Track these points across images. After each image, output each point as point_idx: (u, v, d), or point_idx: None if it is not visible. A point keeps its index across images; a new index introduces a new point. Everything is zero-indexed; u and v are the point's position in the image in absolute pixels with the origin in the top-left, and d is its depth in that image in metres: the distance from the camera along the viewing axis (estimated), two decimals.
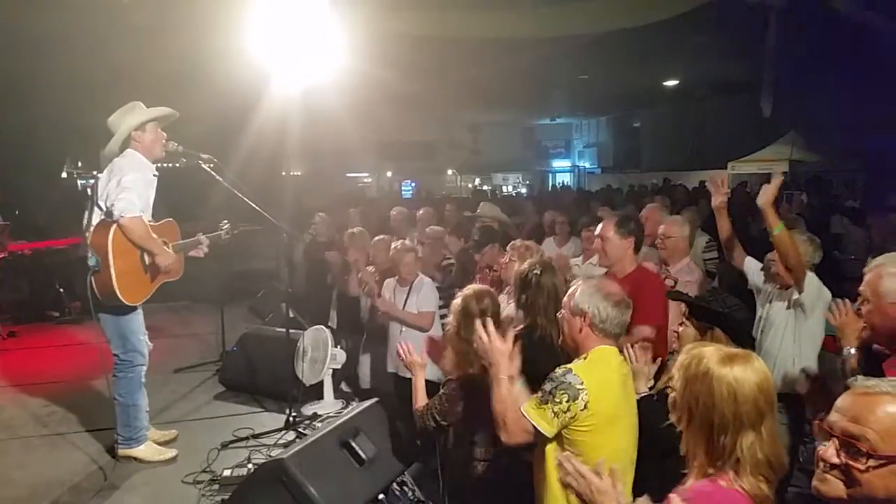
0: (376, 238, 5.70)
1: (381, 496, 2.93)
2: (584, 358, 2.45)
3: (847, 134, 13.06)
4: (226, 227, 4.72)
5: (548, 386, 2.34)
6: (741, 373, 1.72)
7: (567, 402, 2.29)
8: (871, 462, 1.36)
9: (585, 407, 2.29)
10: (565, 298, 2.57)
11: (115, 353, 4.04)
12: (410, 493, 3.02)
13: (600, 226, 3.99)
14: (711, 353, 1.78)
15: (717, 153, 14.94)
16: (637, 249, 3.94)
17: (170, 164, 5.25)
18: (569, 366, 2.38)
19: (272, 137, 8.53)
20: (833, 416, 1.45)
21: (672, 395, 1.81)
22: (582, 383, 2.31)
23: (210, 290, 6.97)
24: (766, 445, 1.70)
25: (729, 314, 2.75)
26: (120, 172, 3.90)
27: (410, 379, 3.06)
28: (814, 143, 13.37)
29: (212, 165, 4.36)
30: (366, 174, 24.02)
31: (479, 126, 24.13)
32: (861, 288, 2.46)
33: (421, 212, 7.23)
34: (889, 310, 2.36)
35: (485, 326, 2.43)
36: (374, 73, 9.30)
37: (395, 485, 3.12)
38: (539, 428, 2.32)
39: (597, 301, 2.46)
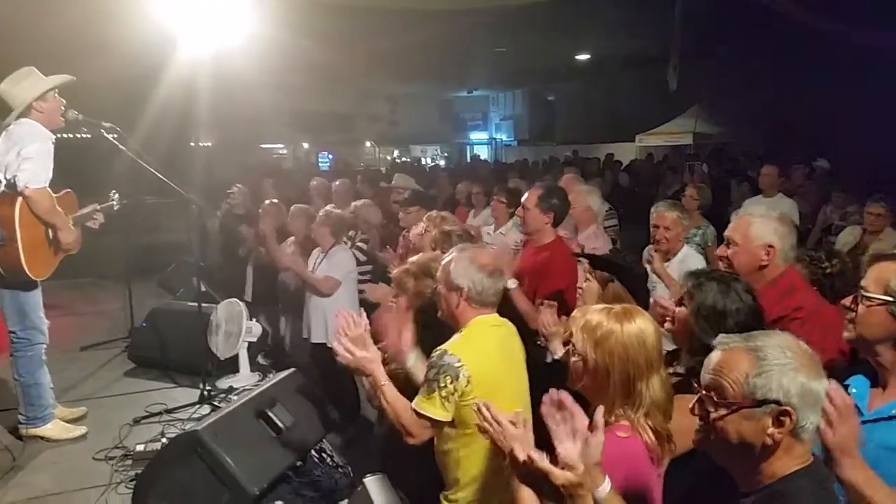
0: (294, 208, 5.67)
1: (299, 463, 2.96)
2: (461, 333, 2.51)
3: (748, 107, 13.75)
4: (115, 196, 4.55)
5: (430, 373, 2.40)
6: (642, 323, 1.93)
7: (451, 383, 2.35)
8: (723, 410, 1.50)
9: (468, 382, 2.37)
10: (439, 273, 2.60)
11: (13, 330, 3.87)
12: (329, 460, 3.06)
13: (525, 195, 4.13)
14: (604, 315, 1.95)
15: (627, 126, 15.42)
16: (556, 223, 4.10)
17: (70, 135, 4.99)
18: (443, 347, 2.44)
19: (179, 106, 8.21)
20: (702, 373, 1.60)
21: (576, 361, 1.94)
22: (459, 360, 2.37)
23: (116, 265, 6.72)
24: (665, 383, 1.92)
25: (627, 267, 2.92)
26: (21, 142, 3.68)
27: (325, 345, 3.07)
28: (716, 116, 14.00)
29: (115, 136, 4.19)
30: (281, 145, 23.45)
31: (397, 98, 23.92)
32: (728, 233, 2.73)
33: (337, 184, 7.18)
34: (755, 251, 2.66)
35: (345, 346, 2.44)
36: (289, 40, 9.08)
37: (313, 452, 3.16)
38: (436, 417, 2.37)
39: (472, 274, 2.51)
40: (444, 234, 3.46)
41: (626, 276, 2.90)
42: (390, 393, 2.43)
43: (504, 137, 26.01)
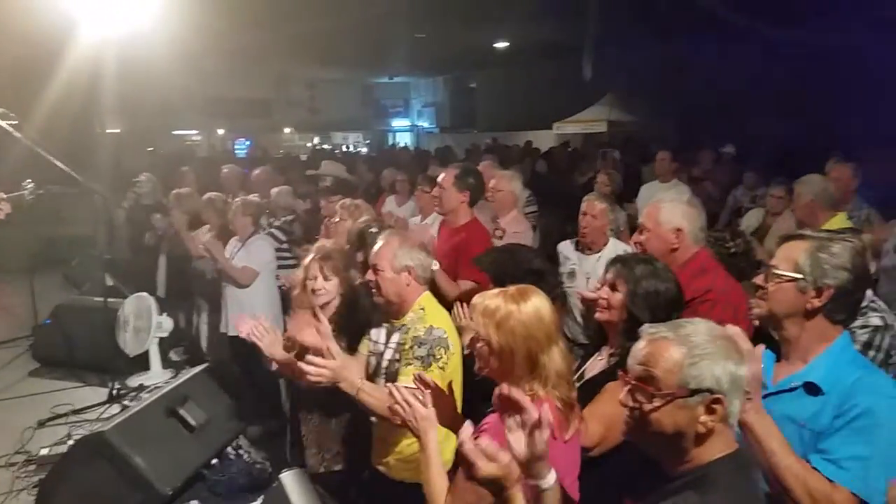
0: (207, 196, 5.48)
1: (214, 461, 2.87)
2: (422, 309, 2.57)
3: (660, 95, 14.21)
4: (30, 186, 4.28)
5: (422, 350, 2.47)
6: (537, 300, 2.01)
7: (445, 353, 2.49)
8: (657, 401, 1.53)
9: (453, 349, 2.53)
10: (377, 259, 2.66)
11: None
12: (246, 456, 2.98)
13: (442, 175, 4.14)
14: (501, 298, 2.02)
15: (545, 114, 15.67)
16: (472, 203, 4.14)
17: None
18: (426, 322, 2.56)
19: (83, 91, 7.77)
20: (629, 362, 1.63)
21: (481, 346, 2.01)
22: (444, 331, 2.53)
23: (16, 259, 6.33)
24: (564, 353, 2.01)
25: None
26: None
27: (243, 338, 3.01)
28: (630, 104, 14.41)
29: (13, 122, 3.92)
30: (195, 132, 22.62)
31: (317, 83, 23.46)
32: (640, 219, 2.83)
33: (257, 172, 6.98)
34: (665, 235, 2.80)
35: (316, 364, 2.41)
36: (202, 22, 8.73)
37: (229, 449, 3.06)
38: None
39: (415, 253, 2.62)
40: (359, 232, 3.46)
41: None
42: (371, 388, 2.46)
43: (426, 124, 25.96)
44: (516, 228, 4.82)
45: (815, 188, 4.42)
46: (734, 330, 1.69)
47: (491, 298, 2.03)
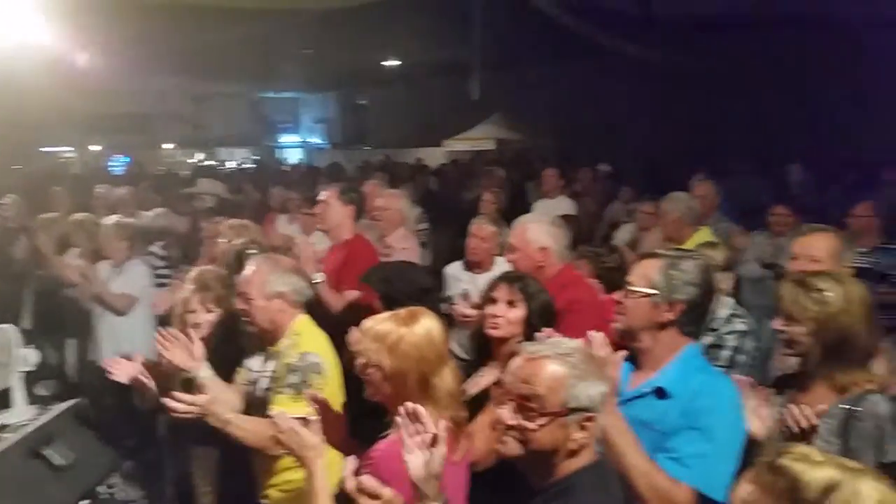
0: (75, 218, 5.19)
1: (84, 502, 2.72)
2: (297, 335, 2.52)
3: (544, 114, 14.77)
4: None
5: (294, 378, 2.39)
6: (428, 321, 2.02)
7: (318, 380, 2.42)
8: (541, 420, 1.57)
9: (329, 374, 2.49)
10: (246, 287, 2.59)
11: None
12: (120, 494, 2.84)
13: (324, 193, 4.15)
14: (391, 321, 2.02)
15: (436, 131, 15.91)
16: (356, 218, 4.17)
17: None
18: (300, 348, 2.47)
19: None
20: (508, 380, 1.66)
21: (373, 372, 1.99)
22: (319, 356, 2.45)
23: None
24: (454, 372, 2.03)
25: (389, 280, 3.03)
26: None
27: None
28: (517, 123, 14.90)
29: None
30: (68, 148, 21.28)
31: (202, 98, 22.67)
32: (511, 240, 2.97)
33: (121, 191, 6.66)
34: (532, 253, 2.95)
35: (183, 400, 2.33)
36: (73, 35, 8.27)
37: (102, 488, 2.91)
38: (309, 417, 2.33)
39: (287, 278, 2.55)
40: (237, 254, 3.37)
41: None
42: (241, 421, 2.39)
43: (317, 140, 25.66)
44: (404, 245, 4.88)
45: (681, 206, 4.71)
46: (597, 336, 1.78)
47: (381, 322, 2.02)
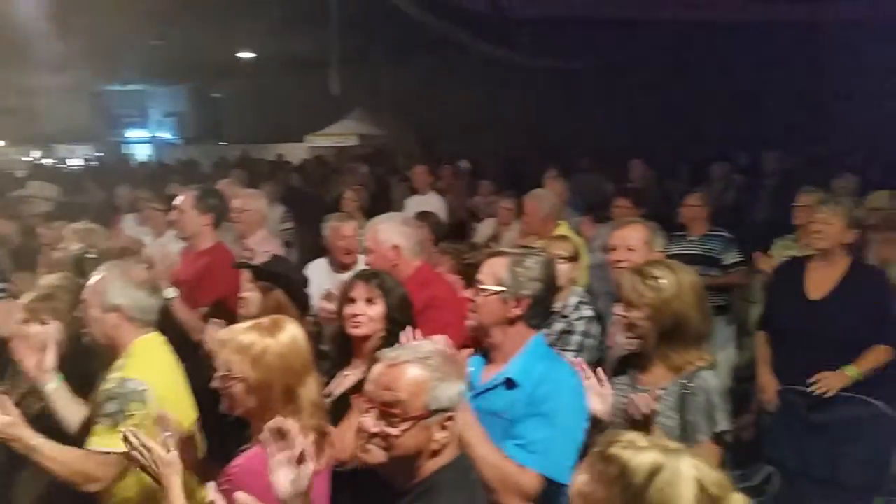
0: None
1: None
2: (130, 356, 2.36)
3: (406, 109, 14.90)
4: None
5: (112, 406, 2.20)
6: (293, 329, 1.99)
7: (140, 410, 2.20)
8: (405, 424, 1.60)
9: (156, 403, 2.24)
10: (89, 294, 2.39)
11: None
12: None
13: (180, 197, 3.96)
14: (254, 332, 1.96)
15: (297, 126, 15.60)
16: (216, 225, 4.00)
17: None
18: (120, 374, 2.27)
19: None
20: (369, 388, 1.66)
21: (235, 385, 1.93)
22: (143, 384, 2.24)
23: None
24: (318, 381, 2.02)
25: (287, 275, 3.00)
26: None
27: None
28: (379, 118, 14.92)
29: None
30: None
31: (38, 91, 20.75)
32: (365, 242, 3.02)
33: None
34: (385, 253, 3.00)
35: None
36: None
37: None
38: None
39: (131, 291, 2.36)
40: (75, 260, 3.15)
41: (287, 283, 2.96)
42: (49, 449, 2.14)
43: (168, 135, 24.29)
44: (266, 247, 4.74)
45: (548, 202, 4.93)
46: (440, 338, 1.86)
47: (243, 333, 1.95)
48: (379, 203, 7.27)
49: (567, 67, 12.88)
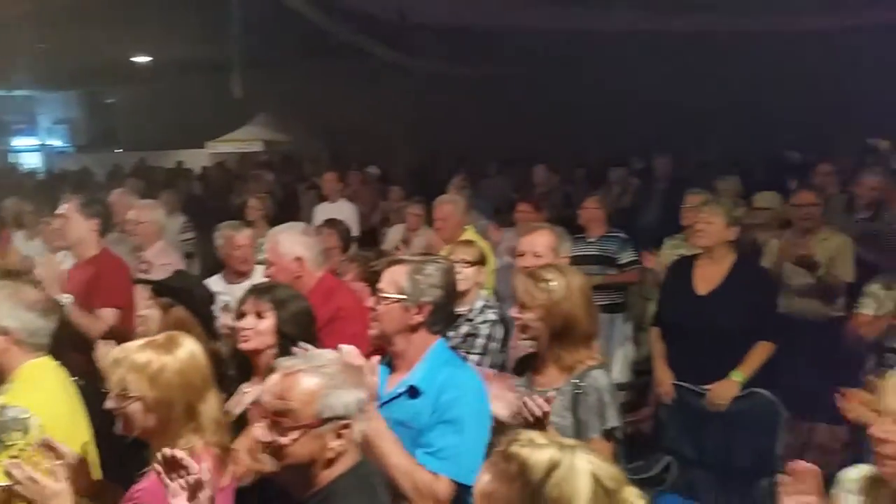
0: None
1: None
2: (15, 382, 2.24)
3: (312, 115, 14.71)
4: None
5: None
6: (190, 345, 1.94)
7: (21, 439, 2.08)
8: (295, 433, 1.59)
9: (40, 430, 2.11)
10: None
11: None
12: None
13: (63, 206, 3.82)
14: (150, 349, 1.91)
15: (198, 132, 15.12)
16: (102, 233, 3.87)
17: None
18: (1, 401, 2.15)
19: None
20: (264, 398, 1.66)
21: (132, 406, 1.86)
22: (26, 411, 2.12)
23: None
24: (218, 397, 1.98)
25: (189, 291, 2.90)
26: None
27: None
28: (284, 124, 14.66)
29: None
30: None
31: None
32: (265, 254, 2.97)
33: None
34: (287, 265, 2.93)
35: None
36: None
37: None
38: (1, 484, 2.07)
39: (20, 314, 2.25)
40: None
41: (189, 299, 2.87)
42: None
43: (59, 143, 22.96)
44: (164, 260, 4.59)
45: (460, 208, 4.98)
46: (348, 349, 1.86)
47: (137, 351, 1.89)
48: (286, 211, 7.17)
49: (470, 74, 13.11)
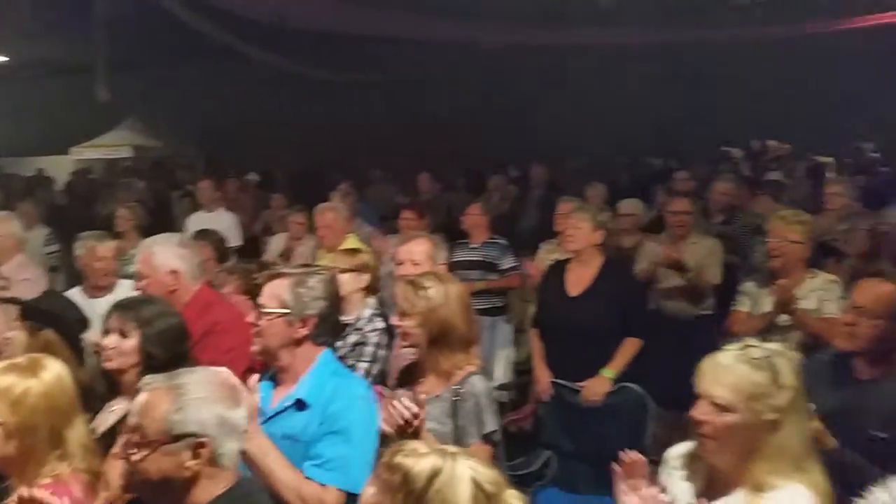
0: None
1: None
2: None
3: (185, 120, 14.14)
4: None
5: None
6: (56, 367, 1.88)
7: None
8: (144, 451, 1.56)
9: None
10: None
11: None
12: None
13: None
14: (11, 373, 1.82)
15: (59, 137, 14.17)
16: None
17: None
18: None
19: None
20: (128, 416, 1.64)
21: None
22: None
23: None
24: (84, 421, 1.93)
25: (58, 313, 2.74)
26: None
27: None
28: (155, 129, 14.00)
29: None
30: None
31: None
32: (137, 267, 2.86)
33: None
34: (162, 279, 2.84)
35: None
36: None
37: None
38: None
39: None
40: None
41: (57, 323, 2.71)
42: None
43: None
44: (24, 275, 4.31)
45: (342, 215, 4.98)
46: (221, 370, 1.81)
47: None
48: (159, 221, 6.86)
49: (353, 81, 13.10)
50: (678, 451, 2.01)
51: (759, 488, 1.74)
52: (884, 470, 1.85)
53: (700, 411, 1.81)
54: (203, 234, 4.77)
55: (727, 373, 1.79)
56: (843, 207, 5.10)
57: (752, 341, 1.88)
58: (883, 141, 11.56)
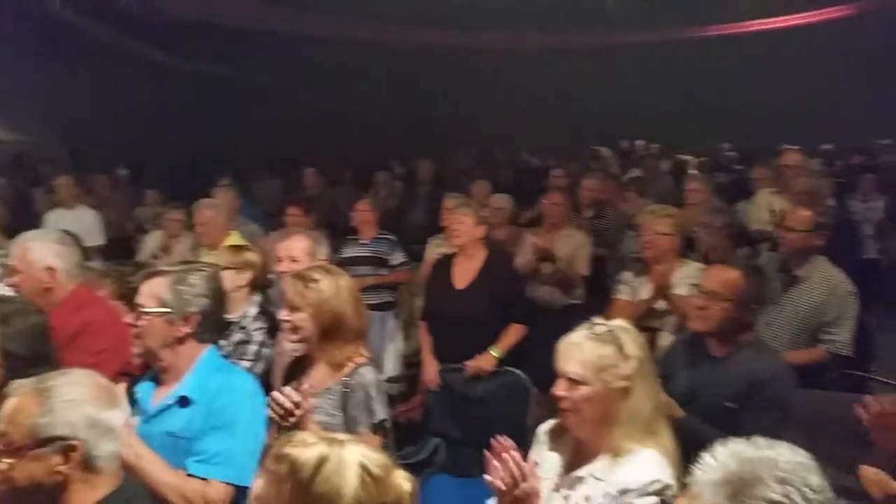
0: None
1: None
2: None
3: (48, 111, 13.18)
4: None
5: None
6: None
7: None
8: (10, 457, 1.50)
9: None
10: None
11: None
12: None
13: None
14: None
15: None
16: None
17: None
18: None
19: None
20: None
21: None
22: None
23: None
24: None
25: None
26: None
27: None
28: (13, 121, 13.04)
29: None
30: None
31: None
32: (12, 261, 2.74)
33: None
34: (37, 275, 2.72)
35: None
36: None
37: None
38: None
39: None
40: None
41: None
42: None
43: None
44: None
45: (222, 212, 4.83)
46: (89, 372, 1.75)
47: None
48: (20, 218, 6.39)
49: (235, 76, 12.72)
50: (546, 427, 2.17)
51: (617, 453, 1.92)
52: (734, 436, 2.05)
53: (559, 388, 1.97)
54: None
55: (577, 350, 1.96)
56: (702, 202, 5.49)
57: (598, 320, 2.05)
58: (739, 140, 12.58)
